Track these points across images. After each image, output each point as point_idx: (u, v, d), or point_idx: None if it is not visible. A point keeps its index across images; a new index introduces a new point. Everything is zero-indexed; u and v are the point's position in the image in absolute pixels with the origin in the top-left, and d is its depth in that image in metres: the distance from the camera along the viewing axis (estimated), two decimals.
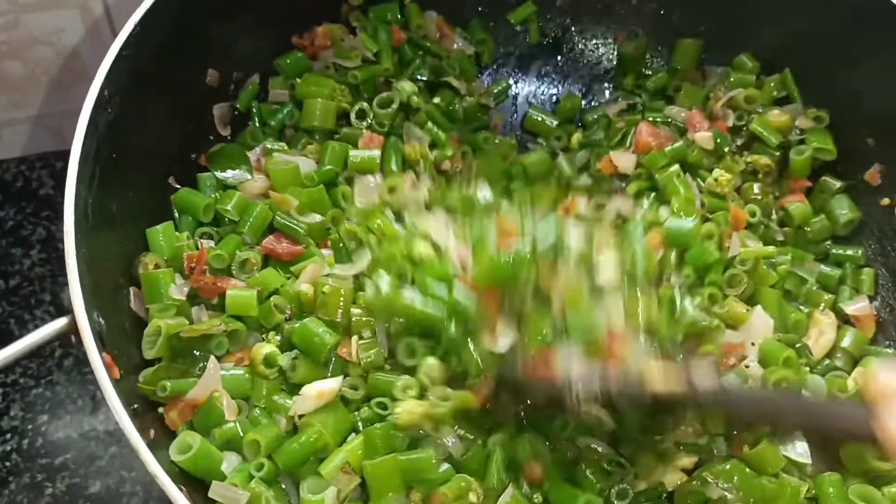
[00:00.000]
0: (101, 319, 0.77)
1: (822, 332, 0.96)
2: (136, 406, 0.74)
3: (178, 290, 0.88)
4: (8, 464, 1.09)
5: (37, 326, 1.17)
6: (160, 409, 0.85)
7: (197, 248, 0.93)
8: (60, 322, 0.74)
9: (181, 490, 0.69)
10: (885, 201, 1.04)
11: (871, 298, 1.01)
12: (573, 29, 1.20)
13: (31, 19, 1.14)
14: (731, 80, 1.13)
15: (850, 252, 1.05)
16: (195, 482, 0.79)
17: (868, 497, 0.82)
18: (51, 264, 1.24)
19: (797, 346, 0.94)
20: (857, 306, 0.99)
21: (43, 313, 1.20)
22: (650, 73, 1.18)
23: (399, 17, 1.16)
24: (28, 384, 1.15)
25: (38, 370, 1.16)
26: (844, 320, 1.01)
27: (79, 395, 1.15)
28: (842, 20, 1.02)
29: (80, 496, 1.07)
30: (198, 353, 0.86)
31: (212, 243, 0.95)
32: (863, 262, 1.04)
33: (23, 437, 1.11)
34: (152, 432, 0.76)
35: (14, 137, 1.29)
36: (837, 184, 1.07)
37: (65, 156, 1.31)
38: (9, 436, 1.11)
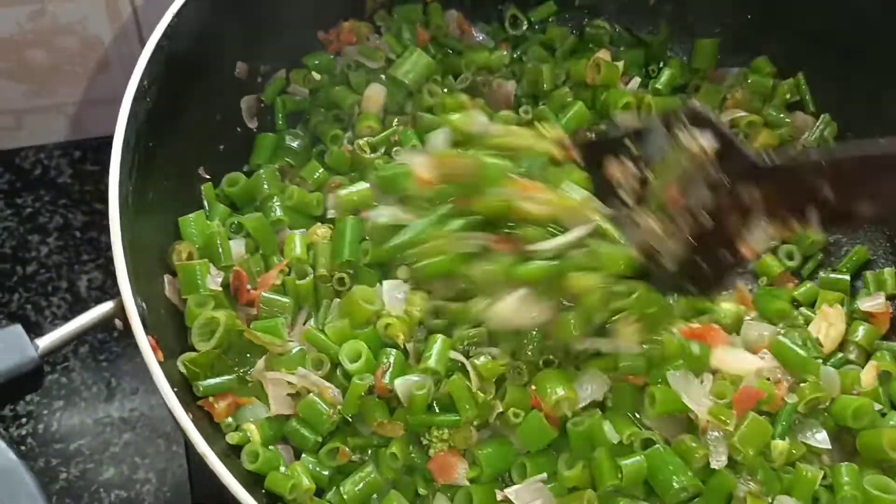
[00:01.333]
0: (143, 304, 0.79)
1: (830, 325, 0.97)
2: (175, 390, 0.75)
3: (213, 281, 0.90)
4: (23, 448, 1.09)
5: (53, 314, 1.20)
6: (199, 393, 0.87)
7: (229, 238, 0.96)
8: (108, 305, 0.75)
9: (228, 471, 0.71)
10: None
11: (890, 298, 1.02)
12: (588, 29, 1.23)
13: (58, 8, 1.15)
14: (749, 81, 1.15)
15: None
16: (227, 464, 0.80)
17: (883, 487, 0.85)
18: (67, 252, 1.25)
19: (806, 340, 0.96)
20: (873, 303, 1.01)
21: (59, 300, 1.21)
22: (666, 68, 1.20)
23: (423, 16, 1.18)
24: (44, 370, 1.16)
25: (54, 357, 1.16)
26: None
27: (94, 381, 1.16)
28: (856, 23, 1.06)
29: (93, 482, 1.08)
30: (248, 355, 0.89)
31: (241, 247, 0.97)
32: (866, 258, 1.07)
33: (38, 421, 1.11)
34: (190, 415, 0.77)
35: (34, 125, 1.30)
36: None
37: (84, 145, 1.35)
38: (24, 420, 1.11)
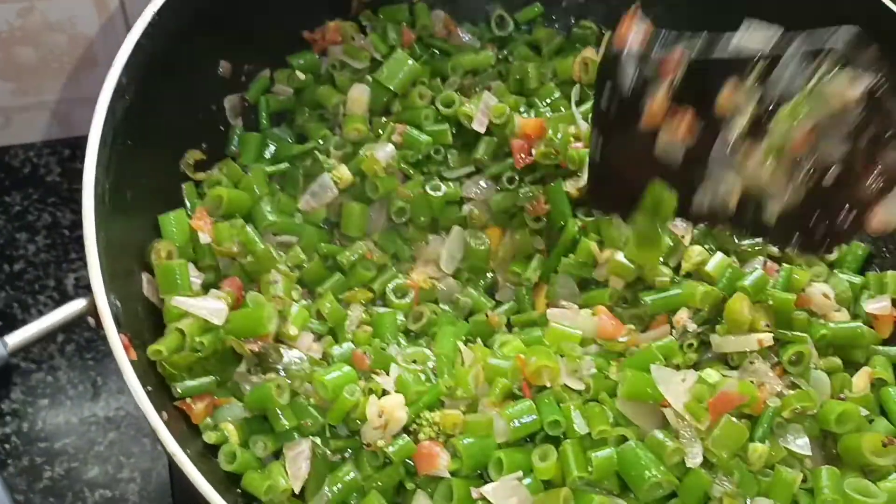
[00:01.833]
0: (117, 302, 0.79)
1: None
2: (149, 388, 0.75)
3: (194, 282, 0.90)
4: (7, 446, 1.09)
5: (40, 312, 1.20)
6: (177, 395, 0.87)
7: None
8: (80, 303, 0.75)
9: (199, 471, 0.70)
10: None
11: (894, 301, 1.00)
12: (575, 29, 1.22)
13: (47, 6, 1.15)
14: None
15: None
16: (203, 463, 0.80)
17: (863, 491, 0.84)
18: (56, 250, 1.24)
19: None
20: (878, 305, 0.99)
21: (46, 299, 1.21)
22: None
23: (409, 16, 1.17)
24: (29, 368, 1.16)
25: (39, 354, 1.17)
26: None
27: (80, 380, 1.16)
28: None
29: (78, 480, 1.08)
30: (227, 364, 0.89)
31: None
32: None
33: (23, 420, 1.11)
34: (165, 414, 0.77)
35: (23, 123, 1.30)
36: None
37: (72, 143, 1.35)
38: (9, 419, 1.11)
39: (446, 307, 1.04)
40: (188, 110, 1.04)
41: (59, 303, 1.21)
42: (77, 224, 1.25)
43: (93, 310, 0.74)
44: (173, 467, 1.07)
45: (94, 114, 0.83)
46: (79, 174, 1.28)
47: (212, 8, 1.00)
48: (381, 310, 1.00)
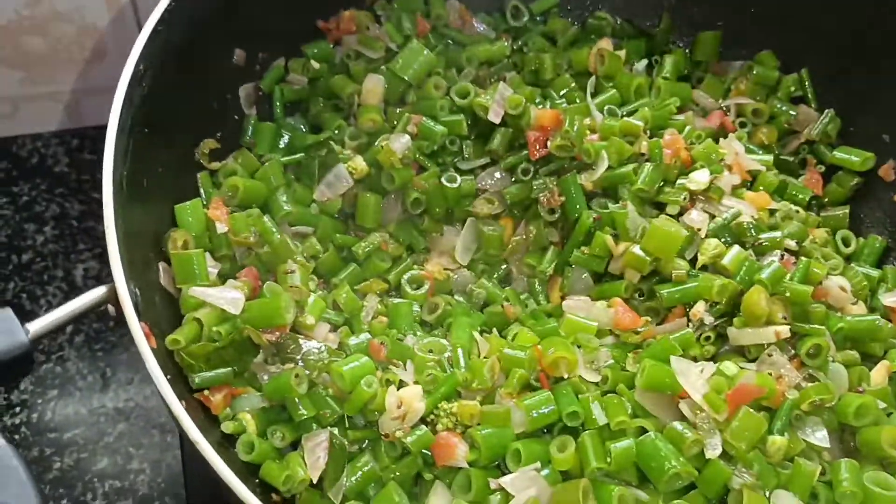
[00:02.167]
0: (136, 290, 0.78)
1: None
2: (169, 377, 0.74)
3: (210, 272, 0.90)
4: (17, 437, 1.09)
5: (49, 303, 1.19)
6: (194, 386, 0.86)
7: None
8: (100, 290, 0.75)
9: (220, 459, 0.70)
10: None
11: None
12: (590, 20, 1.22)
13: None
14: (754, 73, 1.15)
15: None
16: (221, 454, 0.79)
17: (883, 483, 0.84)
18: (64, 241, 1.24)
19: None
20: (895, 298, 0.99)
21: (55, 289, 1.20)
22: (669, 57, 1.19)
23: (424, 6, 1.17)
24: (39, 359, 1.15)
25: (49, 346, 1.16)
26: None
27: (89, 371, 1.15)
28: (855, 19, 1.05)
29: (87, 471, 1.08)
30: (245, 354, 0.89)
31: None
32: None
33: (32, 411, 1.11)
34: (183, 403, 0.76)
35: (30, 113, 1.29)
36: (854, 179, 1.10)
37: (81, 133, 1.34)
38: (18, 409, 1.11)
39: (461, 298, 1.03)
40: (203, 99, 1.03)
41: (67, 293, 1.21)
42: (85, 215, 1.25)
43: (113, 297, 0.74)
44: (186, 457, 1.07)
45: (113, 101, 0.83)
46: (87, 164, 1.31)
47: None
48: (397, 300, 1.00)
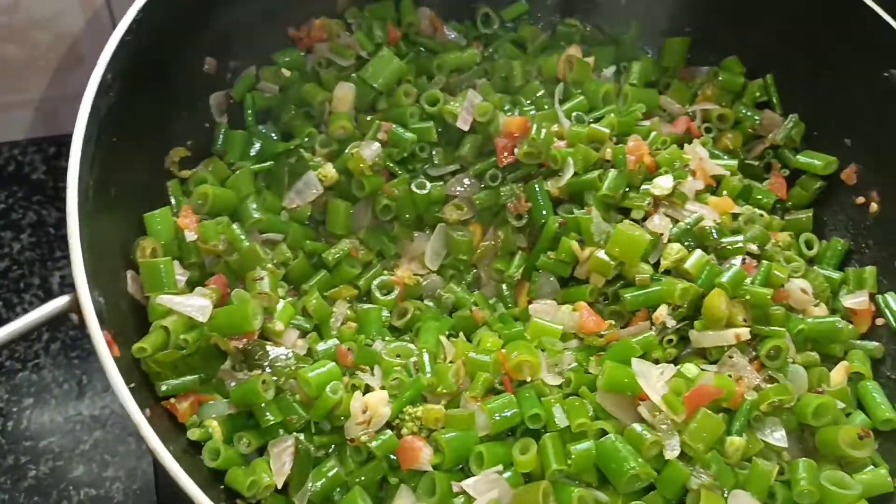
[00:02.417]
0: (101, 299, 0.79)
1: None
2: (132, 385, 0.75)
3: (179, 279, 0.90)
4: None
5: (25, 310, 1.19)
6: (161, 394, 0.87)
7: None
8: (63, 300, 0.75)
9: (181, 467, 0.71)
10: (860, 199, 1.08)
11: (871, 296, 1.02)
12: (560, 27, 1.23)
13: (32, 3, 1.15)
14: (720, 79, 1.17)
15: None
16: (187, 460, 0.80)
17: (839, 483, 0.86)
18: (41, 248, 1.24)
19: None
20: (856, 300, 1.01)
21: (32, 297, 1.21)
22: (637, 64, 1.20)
23: (395, 13, 1.18)
24: (14, 367, 1.16)
25: (24, 354, 1.17)
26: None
27: (64, 379, 1.16)
28: (819, 26, 1.07)
29: (63, 479, 1.08)
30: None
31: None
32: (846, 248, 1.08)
33: (7, 419, 1.11)
34: (148, 411, 0.77)
35: (8, 121, 1.30)
36: (817, 183, 1.11)
37: (58, 141, 1.34)
38: None
39: (430, 303, 1.04)
40: (173, 107, 1.04)
41: (44, 301, 1.21)
42: (62, 222, 1.24)
43: (76, 306, 0.74)
44: (157, 465, 1.07)
45: (79, 110, 0.83)
46: (64, 172, 1.28)
47: (197, 5, 1.00)
48: (366, 306, 1.01)
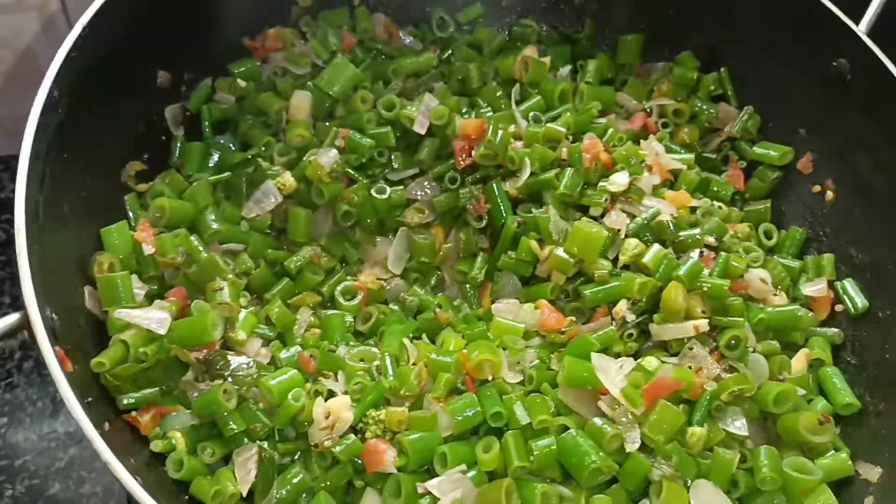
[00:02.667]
0: (53, 315, 0.79)
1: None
2: (90, 399, 0.75)
3: (137, 293, 0.90)
4: None
5: None
6: (122, 407, 0.87)
7: None
8: (13, 317, 0.75)
9: (137, 480, 0.71)
10: (816, 188, 1.09)
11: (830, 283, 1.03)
12: (516, 28, 1.24)
13: None
14: (674, 73, 1.17)
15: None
16: (150, 472, 0.80)
17: (801, 468, 0.86)
18: (11, 267, 1.24)
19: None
20: (815, 287, 1.02)
21: (1, 315, 1.20)
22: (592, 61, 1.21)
23: (349, 20, 1.18)
24: None
25: None
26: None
27: (38, 397, 1.15)
28: (770, 19, 1.08)
29: (39, 497, 1.08)
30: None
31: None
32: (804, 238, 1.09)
33: None
34: (107, 425, 0.77)
35: None
36: (774, 173, 1.12)
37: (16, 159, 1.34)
38: None
39: (395, 307, 1.05)
40: (127, 122, 1.04)
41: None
42: None
43: (27, 323, 0.74)
44: None
45: (26, 129, 0.83)
46: None
47: (147, 18, 1.00)
48: (330, 312, 1.01)
